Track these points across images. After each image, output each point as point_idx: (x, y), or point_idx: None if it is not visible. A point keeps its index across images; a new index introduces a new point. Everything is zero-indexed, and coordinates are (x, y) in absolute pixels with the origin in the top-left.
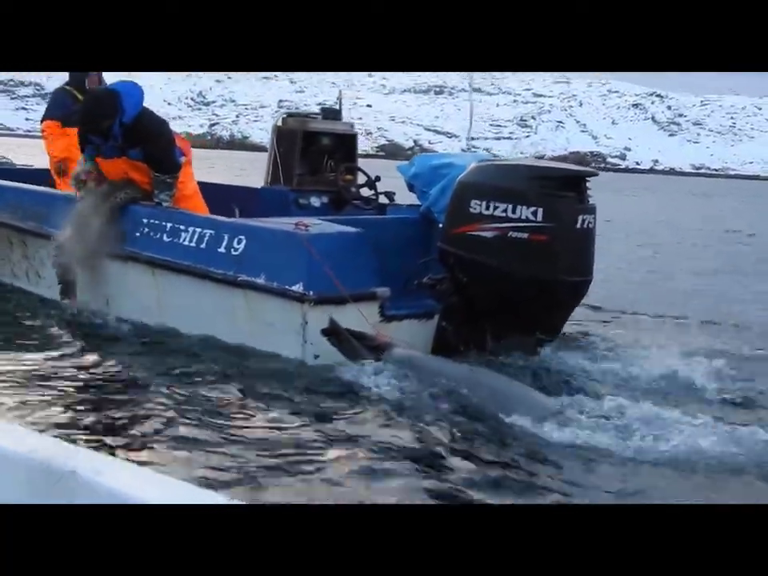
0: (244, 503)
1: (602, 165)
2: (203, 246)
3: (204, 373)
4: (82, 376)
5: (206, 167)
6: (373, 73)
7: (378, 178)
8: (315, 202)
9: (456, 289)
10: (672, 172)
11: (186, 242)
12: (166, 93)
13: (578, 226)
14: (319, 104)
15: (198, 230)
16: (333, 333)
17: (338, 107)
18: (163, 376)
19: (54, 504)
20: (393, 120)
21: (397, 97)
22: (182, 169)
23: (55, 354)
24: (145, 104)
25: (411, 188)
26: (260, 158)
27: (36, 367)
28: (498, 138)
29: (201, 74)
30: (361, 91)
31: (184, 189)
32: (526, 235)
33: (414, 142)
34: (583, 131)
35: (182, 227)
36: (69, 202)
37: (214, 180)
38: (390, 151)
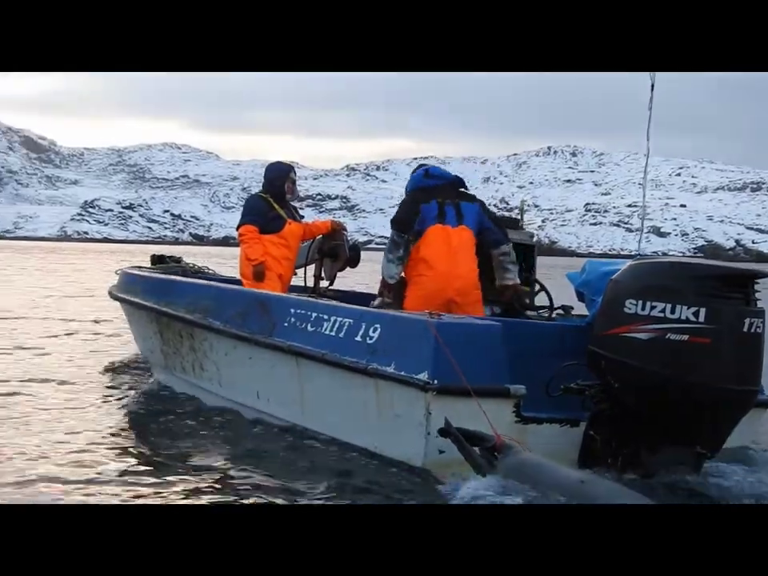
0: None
1: None
2: (342, 335)
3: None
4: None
5: None
6: (681, 171)
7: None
8: (486, 311)
9: (606, 395)
10: None
11: (327, 332)
12: None
13: (745, 329)
14: (629, 206)
15: (339, 319)
16: (447, 434)
17: (519, 216)
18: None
19: None
20: (710, 219)
21: (711, 195)
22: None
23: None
24: None
25: (581, 297)
26: (572, 263)
27: None
28: None
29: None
30: (670, 191)
31: None
32: (686, 337)
33: (736, 242)
34: None
35: (324, 316)
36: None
37: None
38: (710, 252)
